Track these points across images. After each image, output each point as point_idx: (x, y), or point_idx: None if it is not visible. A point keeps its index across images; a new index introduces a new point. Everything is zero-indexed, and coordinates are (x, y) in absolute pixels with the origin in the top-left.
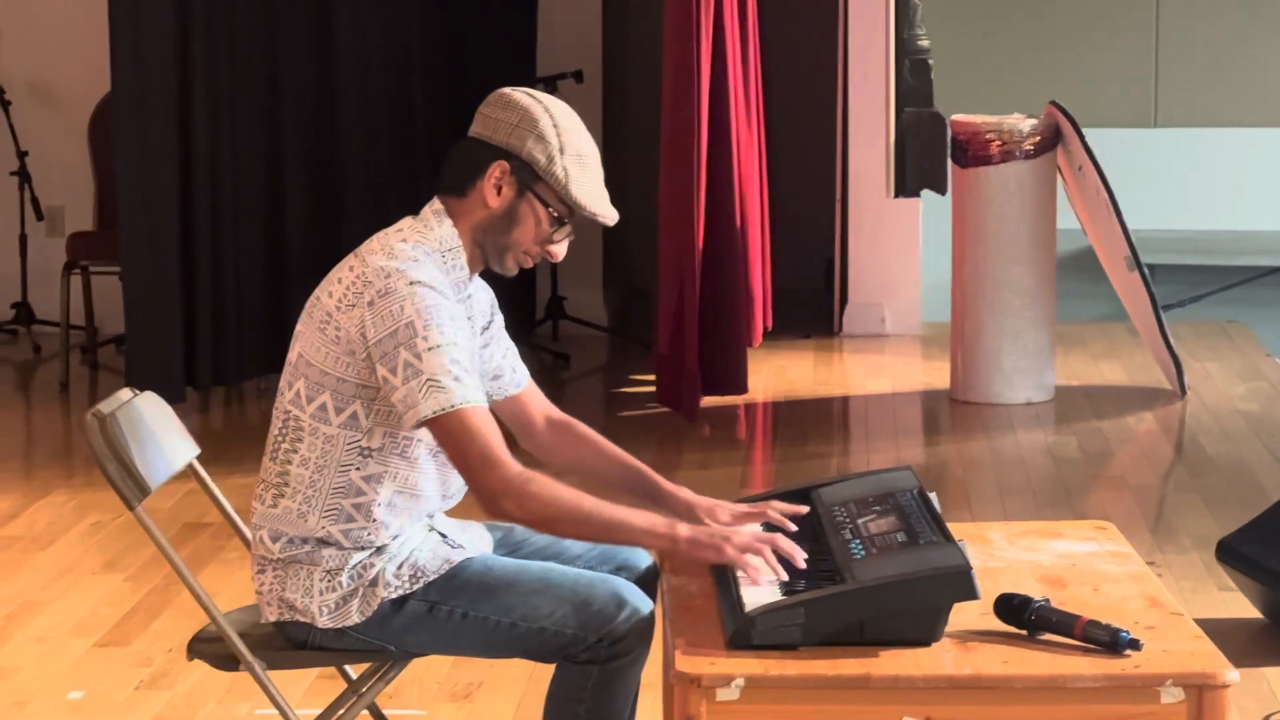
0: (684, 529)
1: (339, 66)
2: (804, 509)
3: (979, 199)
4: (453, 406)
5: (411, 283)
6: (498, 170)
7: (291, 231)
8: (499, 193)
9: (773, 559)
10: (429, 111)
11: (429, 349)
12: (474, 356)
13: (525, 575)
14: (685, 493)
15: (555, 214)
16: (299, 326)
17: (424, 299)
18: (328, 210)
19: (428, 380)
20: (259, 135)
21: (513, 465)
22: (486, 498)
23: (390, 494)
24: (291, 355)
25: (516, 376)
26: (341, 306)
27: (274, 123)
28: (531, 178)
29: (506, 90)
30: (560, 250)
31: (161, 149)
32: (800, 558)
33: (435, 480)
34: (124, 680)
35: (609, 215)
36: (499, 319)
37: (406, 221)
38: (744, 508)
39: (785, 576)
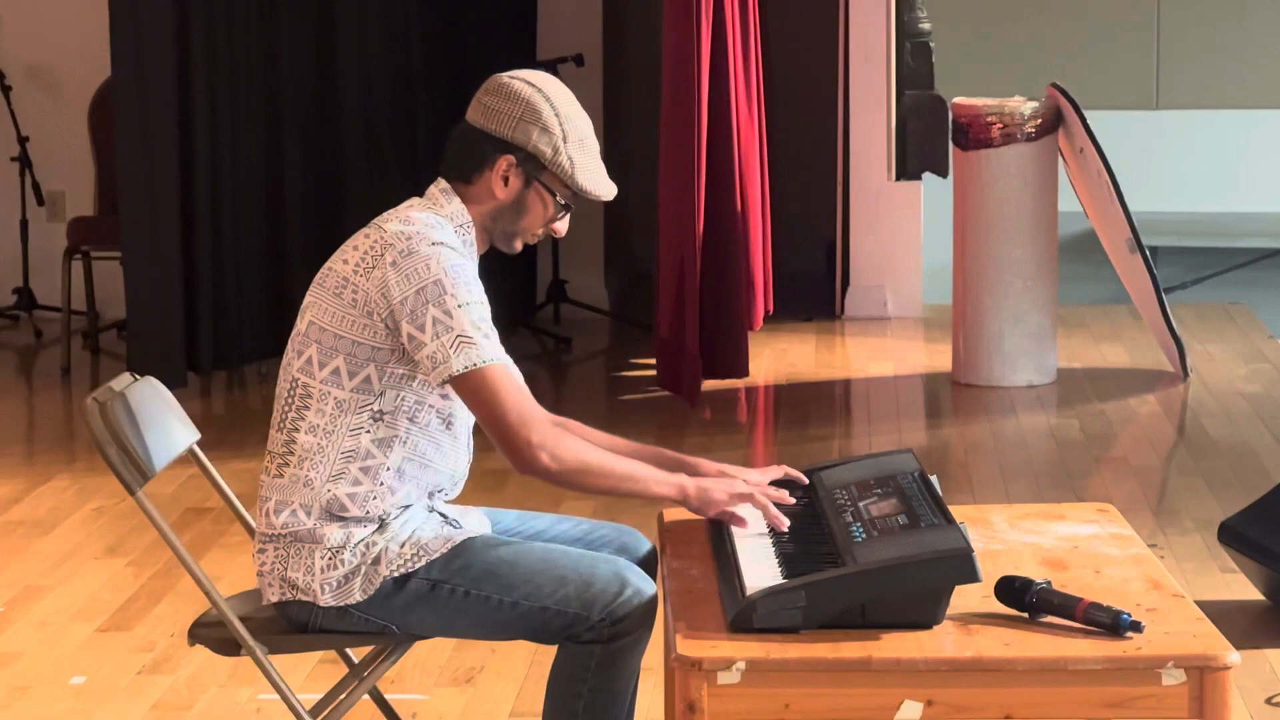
0: (689, 482)
1: (339, 50)
2: (803, 479)
3: (980, 182)
4: (484, 362)
5: (434, 243)
6: (504, 164)
7: (292, 215)
8: (506, 184)
9: (762, 500)
10: (429, 94)
11: (458, 306)
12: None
13: (528, 555)
14: (711, 464)
15: (562, 201)
16: (308, 298)
17: (448, 258)
18: (328, 194)
19: (458, 336)
20: (259, 119)
21: (546, 422)
22: (522, 451)
23: (400, 460)
24: (300, 326)
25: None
26: (359, 270)
27: (274, 107)
28: (538, 168)
29: (504, 79)
30: (564, 227)
31: (162, 134)
32: (787, 499)
33: (446, 454)
34: (126, 665)
35: (610, 193)
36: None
37: (415, 201)
38: (766, 473)
39: (783, 523)
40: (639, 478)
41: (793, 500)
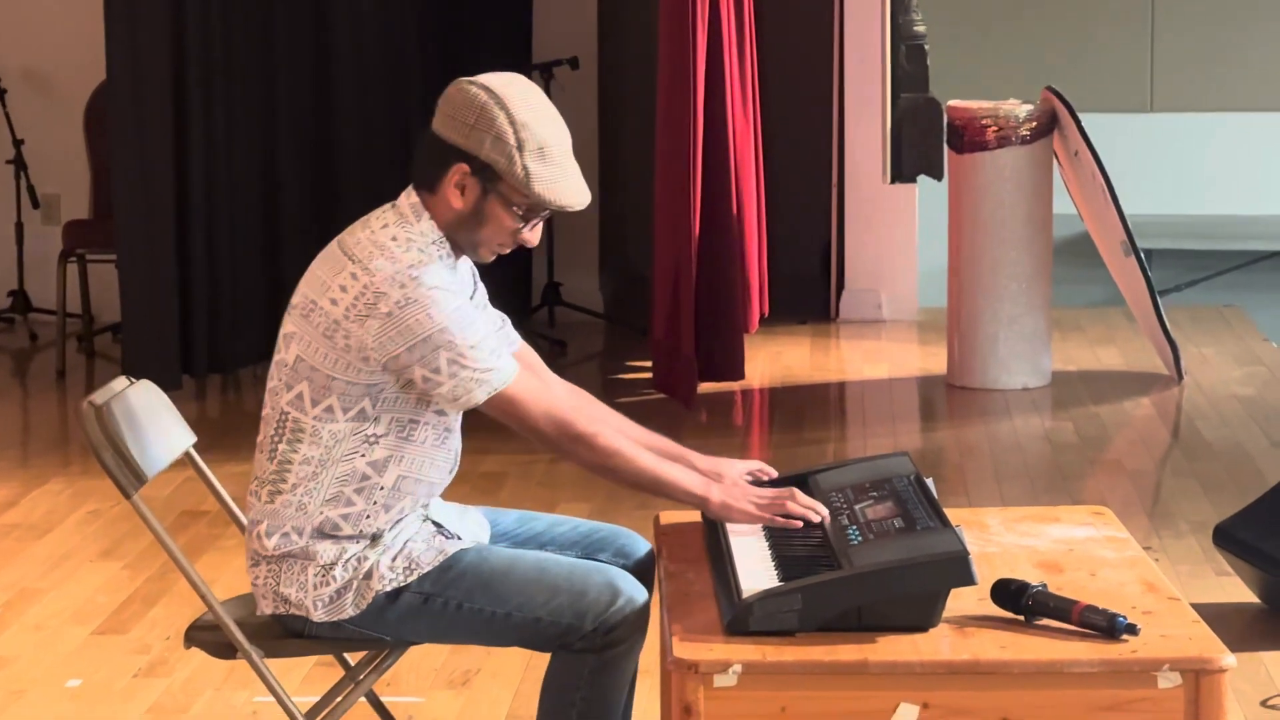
0: (717, 492)
1: (334, 54)
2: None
3: (975, 185)
4: (504, 385)
5: (430, 288)
6: (457, 174)
7: (287, 218)
8: (462, 193)
9: (792, 523)
10: (424, 98)
11: (470, 347)
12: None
13: (520, 565)
14: (705, 459)
15: (520, 211)
16: (291, 327)
17: (448, 303)
18: (323, 196)
19: (475, 371)
20: (254, 122)
21: (580, 420)
22: (563, 450)
23: (395, 478)
24: (287, 357)
25: (511, 335)
26: (351, 315)
27: (269, 109)
28: (493, 177)
29: (463, 84)
30: (534, 238)
31: (157, 137)
32: (816, 517)
33: (439, 465)
34: (122, 668)
35: (576, 204)
36: (481, 288)
37: (389, 216)
38: (748, 465)
39: (816, 518)
40: (667, 483)
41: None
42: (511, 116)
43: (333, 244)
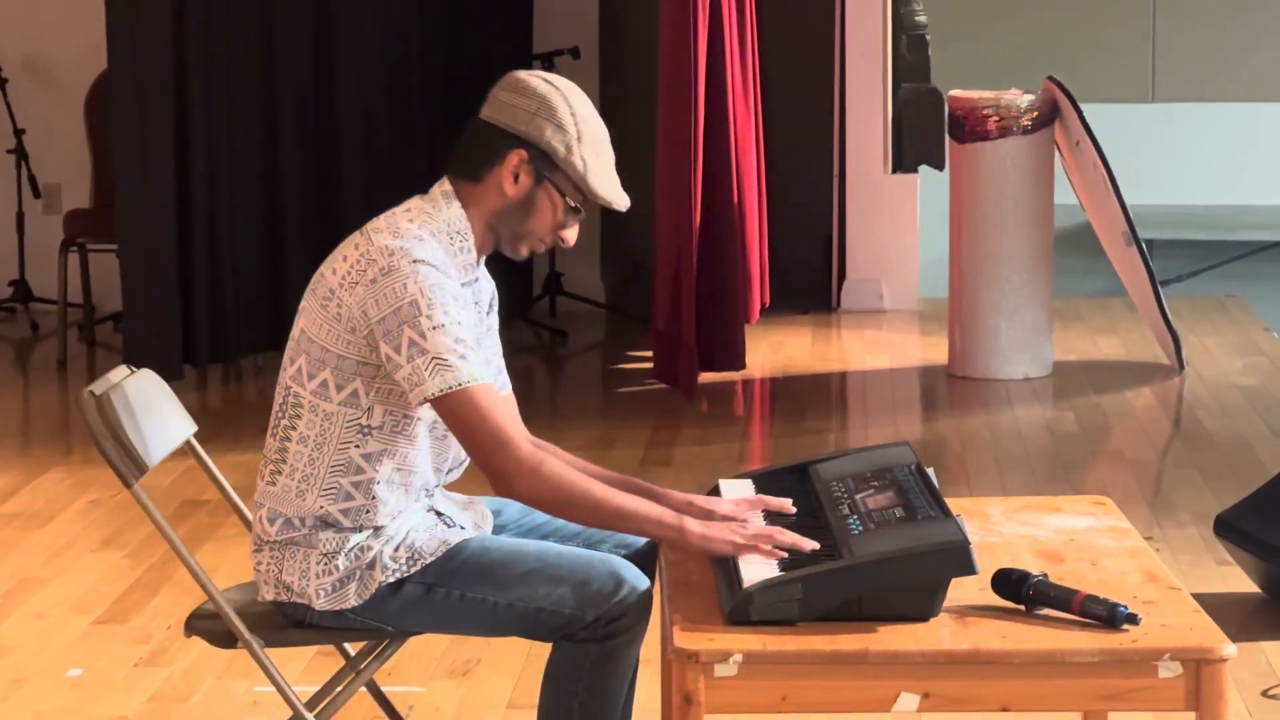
0: (692, 523)
1: (336, 42)
2: (791, 507)
3: (977, 175)
4: (459, 385)
5: (414, 261)
6: (515, 159)
7: (288, 208)
8: (516, 181)
9: (776, 553)
10: (426, 86)
11: (433, 327)
12: (479, 339)
13: (522, 555)
14: (680, 494)
15: (572, 204)
16: (303, 302)
17: (427, 278)
18: (324, 186)
19: (433, 358)
20: (255, 112)
21: (525, 446)
22: (498, 478)
23: (389, 471)
24: (295, 331)
25: (501, 379)
26: (345, 284)
27: (270, 99)
28: (549, 167)
29: (522, 74)
30: (572, 236)
31: (158, 126)
32: (808, 546)
33: (432, 455)
34: (123, 657)
35: (622, 202)
36: (495, 317)
37: (415, 202)
38: (739, 501)
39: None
40: (632, 515)
41: (812, 546)
42: (572, 108)
43: None
